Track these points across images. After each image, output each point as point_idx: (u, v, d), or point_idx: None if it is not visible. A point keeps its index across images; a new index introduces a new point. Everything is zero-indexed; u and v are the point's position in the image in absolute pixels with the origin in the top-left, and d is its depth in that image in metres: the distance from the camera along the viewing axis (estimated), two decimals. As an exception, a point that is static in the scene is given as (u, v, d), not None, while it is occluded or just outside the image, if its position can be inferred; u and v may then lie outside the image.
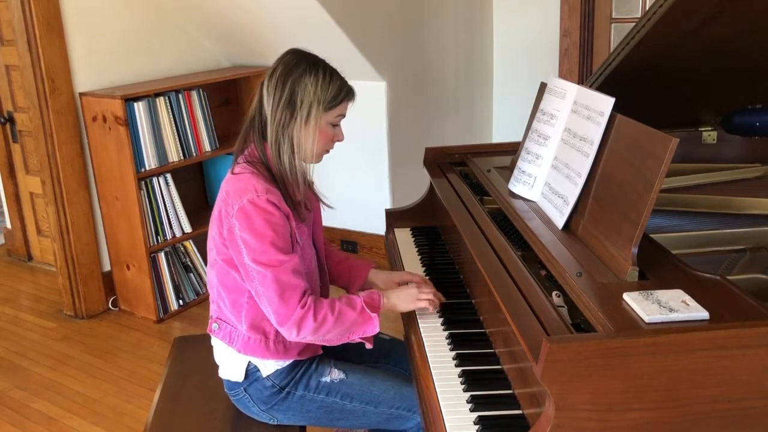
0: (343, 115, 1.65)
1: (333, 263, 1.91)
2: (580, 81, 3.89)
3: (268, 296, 1.53)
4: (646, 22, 1.64)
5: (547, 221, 1.57)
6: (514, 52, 4.26)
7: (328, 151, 1.68)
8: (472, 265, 1.63)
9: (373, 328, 1.59)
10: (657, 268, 1.30)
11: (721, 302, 1.16)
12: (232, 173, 1.62)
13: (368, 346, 1.64)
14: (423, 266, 1.98)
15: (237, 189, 1.56)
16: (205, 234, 3.40)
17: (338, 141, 1.67)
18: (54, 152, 3.20)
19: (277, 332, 1.62)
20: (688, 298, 1.16)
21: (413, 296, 1.65)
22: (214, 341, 1.76)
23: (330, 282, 1.91)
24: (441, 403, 1.35)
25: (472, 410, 1.32)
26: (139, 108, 3.15)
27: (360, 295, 1.61)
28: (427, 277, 1.85)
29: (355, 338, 1.60)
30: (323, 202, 1.79)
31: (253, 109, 1.64)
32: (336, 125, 1.65)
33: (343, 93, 1.61)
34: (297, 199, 1.64)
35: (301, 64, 1.59)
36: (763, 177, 1.96)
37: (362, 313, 1.58)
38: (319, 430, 2.10)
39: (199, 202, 3.84)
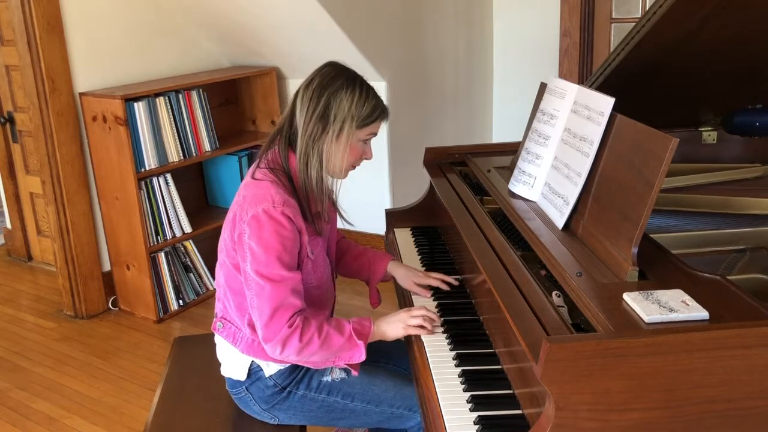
0: (375, 134, 1.64)
1: (352, 257, 1.91)
2: (580, 81, 3.89)
3: (260, 310, 1.52)
4: (646, 22, 1.64)
5: (547, 221, 1.57)
6: (514, 52, 4.26)
7: (354, 167, 1.66)
8: (472, 265, 1.63)
9: (360, 355, 1.57)
10: (657, 268, 1.30)
11: (721, 302, 1.16)
12: (253, 177, 1.60)
13: (354, 373, 1.63)
14: (423, 266, 1.98)
15: (255, 196, 1.55)
16: (205, 234, 3.44)
17: (366, 159, 1.66)
18: (54, 152, 3.20)
19: None
20: (688, 298, 1.16)
21: (403, 322, 1.62)
22: (218, 339, 1.75)
23: (350, 276, 1.92)
24: (441, 403, 1.35)
25: (472, 410, 1.32)
26: (139, 108, 3.15)
27: (351, 321, 1.60)
28: (444, 278, 1.84)
29: (341, 364, 1.59)
30: (344, 218, 1.78)
31: (285, 116, 1.63)
32: (367, 142, 1.64)
33: (377, 112, 1.60)
34: (315, 211, 1.62)
35: (339, 79, 1.57)
36: (763, 177, 1.96)
37: (350, 340, 1.56)
38: (320, 429, 2.10)
39: (199, 202, 3.84)
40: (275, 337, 1.52)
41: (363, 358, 1.58)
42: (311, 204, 1.61)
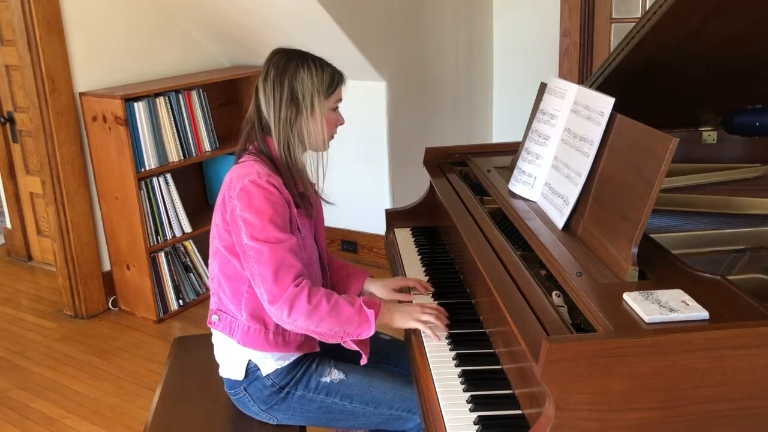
0: (341, 99, 1.71)
1: (332, 271, 1.91)
2: (580, 81, 3.89)
3: (262, 273, 1.54)
4: (646, 22, 1.64)
5: (547, 221, 1.57)
6: (514, 52, 4.26)
7: (332, 137, 1.72)
8: (472, 265, 1.63)
9: (369, 329, 1.57)
10: (657, 268, 1.30)
11: (721, 302, 1.16)
12: (236, 164, 1.67)
13: (363, 360, 1.63)
14: (423, 266, 1.98)
15: (240, 173, 1.60)
16: (205, 234, 3.43)
17: (340, 124, 1.73)
18: (54, 152, 3.20)
19: (277, 324, 1.62)
20: (688, 298, 1.16)
21: (412, 315, 1.61)
22: (215, 338, 1.76)
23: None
24: (441, 403, 1.35)
25: (472, 410, 1.32)
26: (139, 108, 3.15)
27: (360, 298, 1.61)
28: (425, 279, 1.85)
29: (349, 340, 1.59)
30: (323, 199, 1.80)
31: (251, 114, 1.69)
32: (336, 110, 1.71)
33: (337, 77, 1.68)
34: (301, 189, 1.67)
35: (292, 61, 1.64)
36: (763, 177, 1.96)
37: (359, 312, 1.57)
38: (319, 430, 2.10)
39: (199, 202, 3.84)
40: (281, 296, 1.52)
41: (372, 332, 1.58)
42: (296, 183, 1.66)
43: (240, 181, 1.58)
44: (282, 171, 1.64)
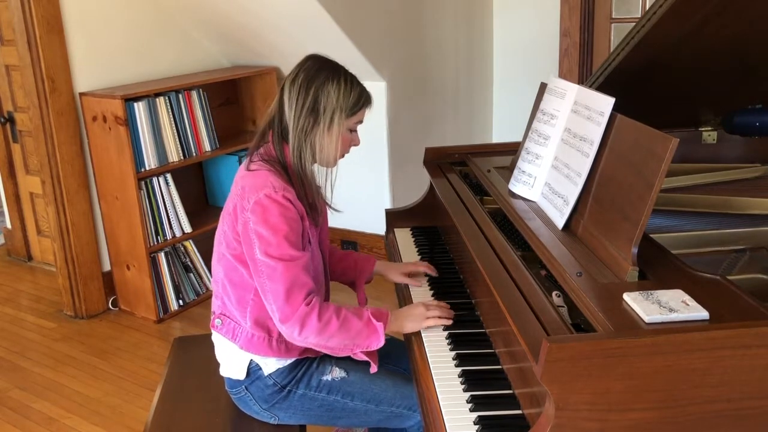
0: (362, 121, 1.68)
1: (336, 260, 1.92)
2: (580, 81, 3.89)
3: (274, 291, 1.53)
4: (646, 22, 1.64)
5: (547, 221, 1.57)
6: (514, 52, 4.26)
7: (343, 156, 1.70)
8: (472, 265, 1.63)
9: (378, 340, 1.57)
10: (657, 268, 1.30)
11: (721, 302, 1.16)
12: (248, 169, 1.63)
13: (373, 369, 1.63)
14: (423, 266, 1.98)
15: (254, 184, 1.58)
16: (205, 234, 3.44)
17: (355, 146, 1.71)
18: (54, 152, 3.20)
19: None
20: (688, 298, 1.16)
21: (421, 316, 1.62)
22: (216, 338, 1.76)
23: (335, 279, 1.92)
24: (441, 403, 1.35)
25: (472, 410, 1.32)
26: (139, 108, 3.15)
27: (368, 309, 1.61)
28: (425, 279, 1.86)
29: (359, 352, 1.59)
30: (330, 206, 1.79)
31: (272, 112, 1.66)
32: (354, 131, 1.68)
33: (363, 99, 1.64)
34: (310, 200, 1.65)
35: (323, 71, 1.61)
36: (763, 177, 1.96)
37: (368, 324, 1.57)
38: (320, 428, 2.10)
39: (199, 202, 3.84)
40: (293, 316, 1.52)
41: (381, 343, 1.58)
42: (307, 193, 1.64)
43: (254, 194, 1.55)
44: (294, 180, 1.62)
